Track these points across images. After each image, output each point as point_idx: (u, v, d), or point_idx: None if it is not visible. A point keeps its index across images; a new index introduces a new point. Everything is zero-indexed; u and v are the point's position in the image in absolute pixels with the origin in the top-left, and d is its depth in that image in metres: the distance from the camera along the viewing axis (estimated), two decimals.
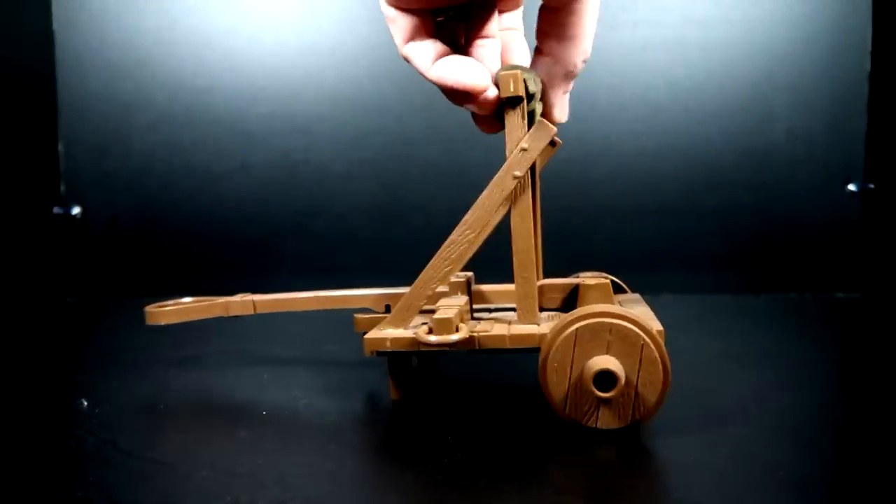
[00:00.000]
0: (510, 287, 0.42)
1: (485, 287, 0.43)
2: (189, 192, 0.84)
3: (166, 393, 0.43)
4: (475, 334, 0.36)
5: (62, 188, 0.86)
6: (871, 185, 0.76)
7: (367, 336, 0.38)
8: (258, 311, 0.47)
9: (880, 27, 0.75)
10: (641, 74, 0.79)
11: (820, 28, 0.76)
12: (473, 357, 0.47)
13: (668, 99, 0.79)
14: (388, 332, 0.38)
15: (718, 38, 0.78)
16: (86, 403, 0.40)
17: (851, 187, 0.77)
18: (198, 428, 0.37)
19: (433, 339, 0.35)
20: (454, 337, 0.35)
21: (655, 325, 0.34)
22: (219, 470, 0.30)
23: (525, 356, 0.37)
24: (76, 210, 0.86)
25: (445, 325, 0.35)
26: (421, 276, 0.38)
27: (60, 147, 0.85)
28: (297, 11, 0.83)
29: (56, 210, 0.85)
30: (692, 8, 0.78)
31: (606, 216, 0.80)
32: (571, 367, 0.33)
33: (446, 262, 0.38)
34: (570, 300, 0.40)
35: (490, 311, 0.43)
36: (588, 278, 0.39)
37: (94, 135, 0.85)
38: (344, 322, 0.50)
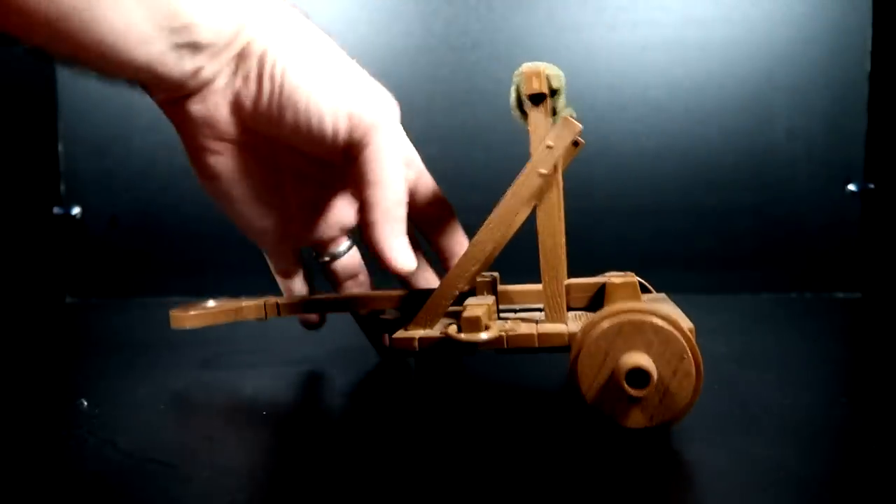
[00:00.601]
0: (535, 287, 0.41)
1: (510, 287, 0.43)
2: (189, 193, 0.84)
3: (166, 393, 0.43)
4: (503, 333, 0.36)
5: (62, 188, 0.86)
6: (871, 185, 0.76)
7: (394, 336, 0.38)
8: (283, 315, 0.46)
9: (880, 27, 0.75)
10: (641, 74, 0.79)
11: (820, 28, 0.76)
12: (500, 357, 0.47)
13: (668, 99, 0.79)
14: (415, 332, 0.38)
15: (718, 38, 0.77)
16: (86, 403, 0.40)
17: (851, 187, 0.77)
18: (198, 428, 0.37)
19: (462, 338, 0.35)
20: (484, 336, 0.35)
21: (686, 324, 0.34)
22: (219, 470, 0.30)
23: (551, 357, 0.37)
24: (76, 210, 0.85)
25: (475, 324, 0.35)
26: (447, 275, 0.38)
27: (60, 147, 0.85)
28: None
29: (56, 210, 0.85)
30: (692, 8, 0.78)
31: (606, 216, 0.80)
32: (606, 357, 0.32)
33: (472, 262, 0.37)
34: (597, 299, 0.40)
35: (515, 311, 0.42)
36: (615, 277, 0.39)
37: (94, 135, 0.84)
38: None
